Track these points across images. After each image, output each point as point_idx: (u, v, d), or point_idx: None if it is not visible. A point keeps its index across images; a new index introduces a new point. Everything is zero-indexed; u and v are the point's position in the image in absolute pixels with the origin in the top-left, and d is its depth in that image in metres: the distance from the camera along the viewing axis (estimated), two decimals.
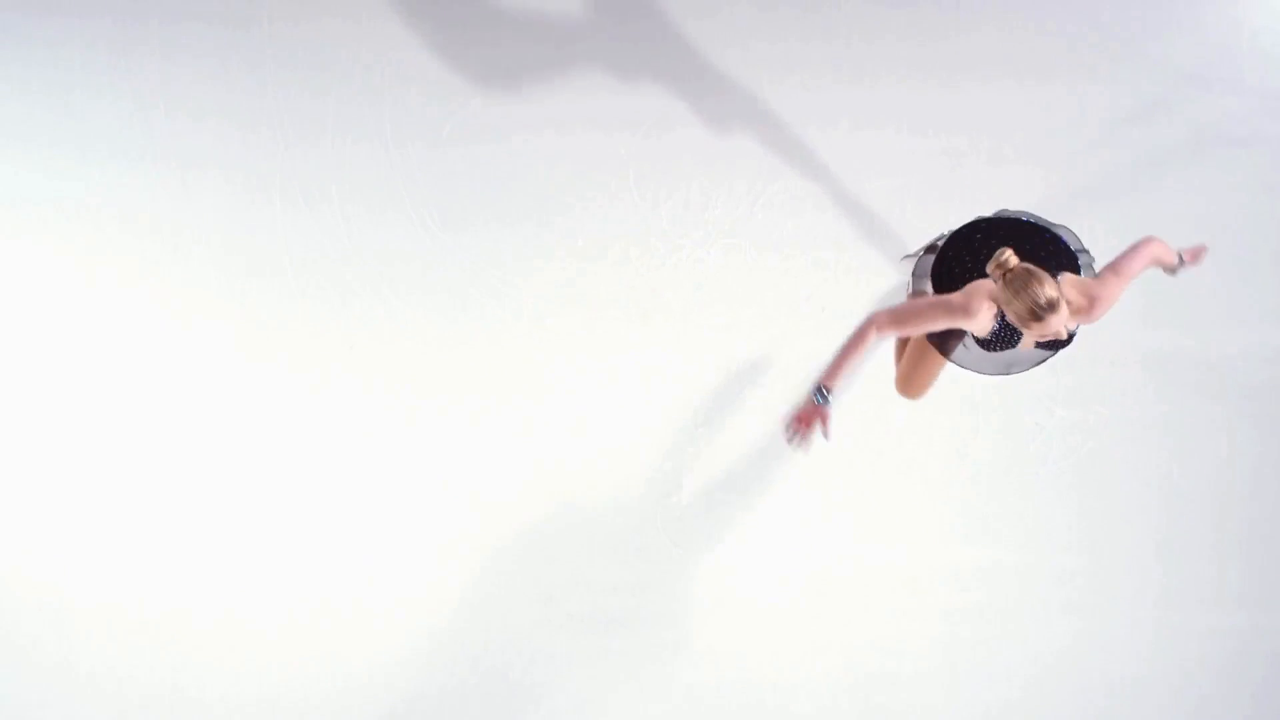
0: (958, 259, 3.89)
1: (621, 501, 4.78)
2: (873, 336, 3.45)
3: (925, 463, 4.75)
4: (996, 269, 3.41)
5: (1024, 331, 3.43)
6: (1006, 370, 3.95)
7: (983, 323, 3.51)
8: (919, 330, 3.56)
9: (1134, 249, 3.62)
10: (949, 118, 4.70)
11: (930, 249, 4.04)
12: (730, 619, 4.80)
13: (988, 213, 4.03)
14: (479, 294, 4.75)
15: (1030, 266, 3.38)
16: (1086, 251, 3.87)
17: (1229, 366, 4.71)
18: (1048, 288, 3.33)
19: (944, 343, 3.87)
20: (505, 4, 4.72)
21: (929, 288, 4.03)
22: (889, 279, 4.69)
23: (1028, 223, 3.91)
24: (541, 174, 4.75)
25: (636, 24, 4.72)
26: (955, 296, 3.53)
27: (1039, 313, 3.33)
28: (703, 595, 4.81)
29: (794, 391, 4.71)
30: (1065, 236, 3.89)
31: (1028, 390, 4.62)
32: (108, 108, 4.76)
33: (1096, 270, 3.73)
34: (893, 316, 3.48)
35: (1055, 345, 3.68)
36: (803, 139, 4.68)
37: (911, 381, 4.05)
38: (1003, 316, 3.51)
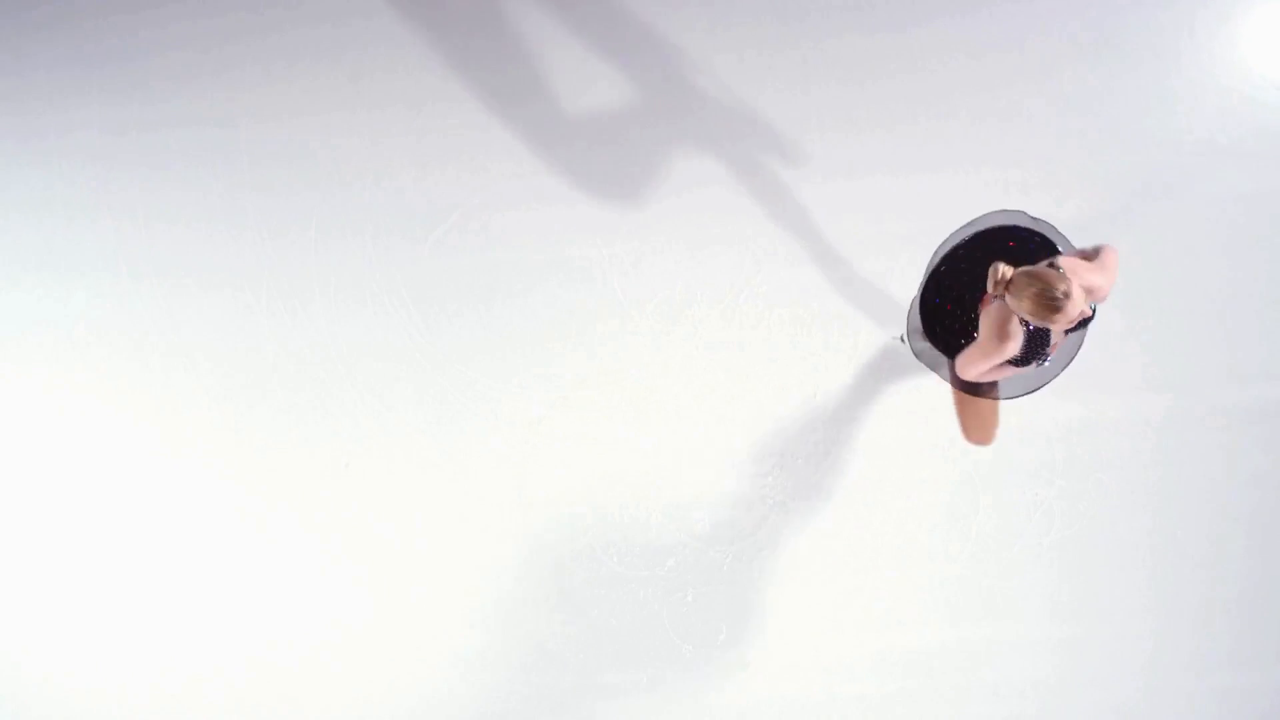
0: (944, 298, 3.95)
1: (628, 602, 4.73)
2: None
3: (926, 543, 4.74)
4: (998, 286, 3.41)
5: (1051, 328, 3.43)
6: (1039, 384, 3.96)
7: (1016, 341, 3.55)
8: (984, 373, 3.61)
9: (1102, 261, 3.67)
10: (927, 198, 4.78)
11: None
12: (741, 713, 4.75)
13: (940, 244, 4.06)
14: (471, 400, 4.75)
15: (1028, 268, 3.39)
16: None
17: (1227, 425, 4.71)
18: (1054, 279, 3.33)
19: (977, 388, 3.91)
20: (489, 97, 4.76)
21: (926, 343, 4.08)
22: (881, 361, 4.73)
23: (991, 230, 3.95)
24: (527, 272, 4.77)
25: (630, 127, 4.79)
26: (985, 333, 3.56)
27: (1058, 303, 3.32)
28: (713, 691, 4.75)
29: (792, 482, 4.73)
30: (1014, 221, 3.95)
31: (1026, 462, 4.65)
32: (88, 223, 4.73)
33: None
34: (961, 368, 3.64)
35: (1082, 324, 3.65)
36: (787, 221, 4.75)
37: (974, 429, 4.03)
38: (1027, 325, 3.55)
